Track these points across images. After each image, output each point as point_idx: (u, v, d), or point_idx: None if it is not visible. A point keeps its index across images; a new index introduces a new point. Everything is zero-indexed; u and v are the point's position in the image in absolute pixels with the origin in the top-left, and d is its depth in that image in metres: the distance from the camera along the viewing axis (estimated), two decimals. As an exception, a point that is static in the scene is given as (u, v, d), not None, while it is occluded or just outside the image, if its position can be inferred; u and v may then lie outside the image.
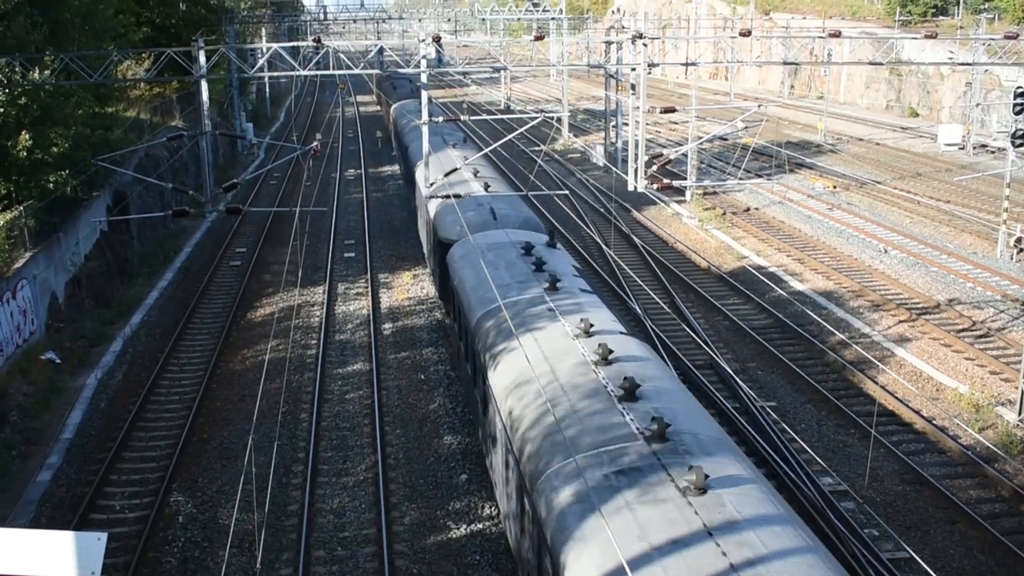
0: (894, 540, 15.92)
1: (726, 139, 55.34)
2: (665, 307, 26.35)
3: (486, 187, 27.75)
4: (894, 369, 23.55)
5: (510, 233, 21.94)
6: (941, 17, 74.73)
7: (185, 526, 17.16)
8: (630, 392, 12.26)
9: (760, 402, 21.21)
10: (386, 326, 27.44)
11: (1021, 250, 32.82)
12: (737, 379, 21.28)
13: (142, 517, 17.32)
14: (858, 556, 15.30)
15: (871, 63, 37.56)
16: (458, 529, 16.81)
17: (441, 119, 33.42)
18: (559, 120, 59.52)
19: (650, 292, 26.50)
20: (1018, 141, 31.86)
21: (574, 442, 11.57)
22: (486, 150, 34.57)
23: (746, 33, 33.86)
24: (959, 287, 29.86)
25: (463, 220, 22.89)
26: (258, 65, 32.20)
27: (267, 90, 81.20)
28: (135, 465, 19.50)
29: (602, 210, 40.66)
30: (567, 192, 40.81)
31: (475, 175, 29.32)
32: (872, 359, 22.84)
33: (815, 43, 51.10)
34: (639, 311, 25.36)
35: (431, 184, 29.00)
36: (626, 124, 47.44)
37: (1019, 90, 31.80)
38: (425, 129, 30.05)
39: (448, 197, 26.35)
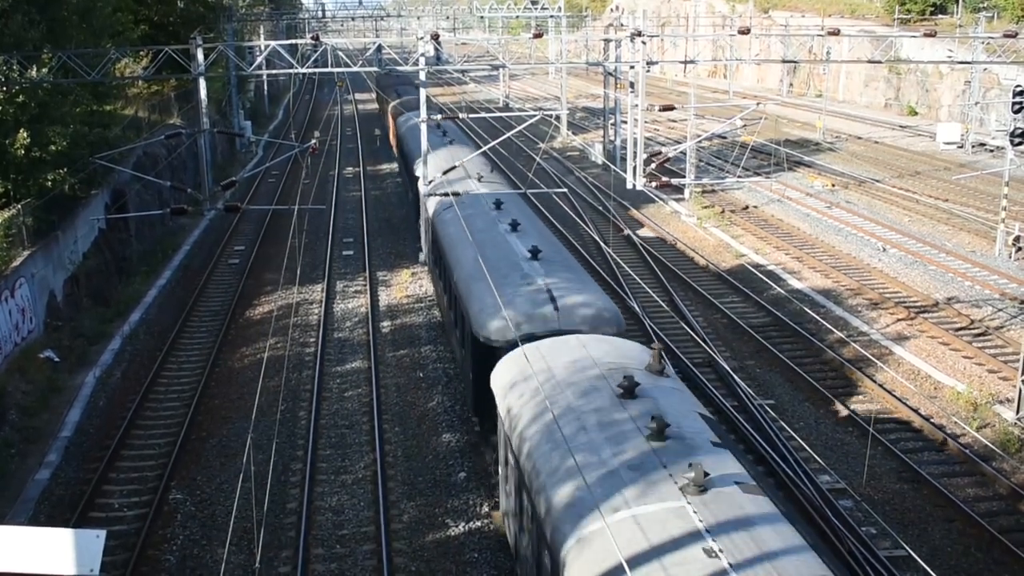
0: (892, 538, 15.95)
1: (725, 137, 55.32)
2: (664, 305, 26.36)
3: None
4: (893, 367, 23.57)
5: (587, 344, 14.62)
6: (940, 15, 74.71)
7: (184, 524, 17.17)
8: None
9: (758, 400, 21.23)
10: (384, 324, 27.44)
11: (1019, 248, 32.85)
12: (735, 377, 21.29)
13: (141, 515, 17.33)
14: (856, 554, 15.32)
15: (870, 61, 37.63)
16: (457, 527, 16.83)
17: (440, 117, 33.43)
18: (558, 118, 59.46)
19: (648, 290, 26.49)
20: (1017, 140, 31.87)
21: None
22: (485, 148, 34.55)
23: (745, 31, 33.84)
24: (957, 285, 29.88)
25: (509, 311, 16.59)
26: (256, 63, 32.16)
27: (265, 88, 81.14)
28: (134, 463, 19.50)
29: (601, 208, 40.66)
30: (565, 190, 40.80)
31: (475, 174, 29.30)
32: (871, 357, 22.86)
33: (814, 41, 51.14)
34: (638, 309, 25.36)
35: (430, 181, 29.00)
36: (625, 122, 47.43)
37: (1018, 88, 31.80)
38: (424, 127, 30.06)
39: (447, 195, 26.32)
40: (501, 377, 14.64)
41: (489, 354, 16.34)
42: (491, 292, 17.16)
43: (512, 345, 15.28)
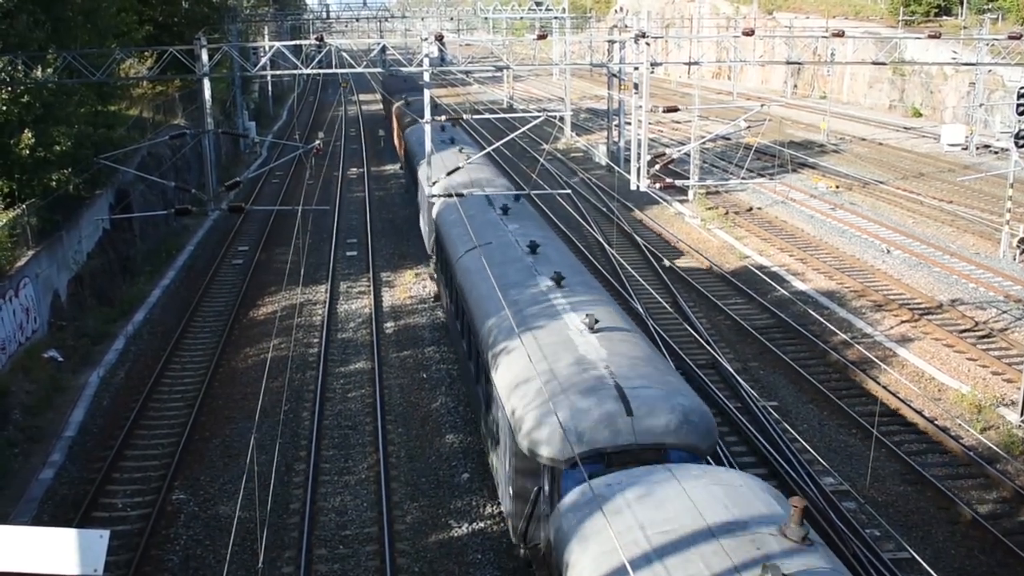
0: (895, 540, 15.93)
1: (729, 139, 55.29)
2: (667, 306, 26.34)
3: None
4: (896, 369, 23.54)
5: (685, 483, 10.40)
6: (944, 17, 74.63)
7: (187, 524, 17.18)
8: None
9: (762, 402, 21.20)
10: (388, 324, 27.45)
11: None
12: (739, 379, 21.27)
13: (144, 515, 17.35)
14: (860, 556, 15.30)
15: (874, 63, 37.55)
16: (460, 528, 16.82)
17: (443, 118, 33.44)
18: (562, 119, 59.51)
19: (652, 291, 26.48)
20: (1021, 141, 31.85)
21: None
22: (488, 149, 34.56)
23: (749, 32, 33.84)
24: (961, 287, 29.83)
25: (565, 414, 12.47)
26: (260, 64, 32.21)
27: (269, 88, 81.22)
28: (137, 463, 19.52)
29: (604, 209, 40.65)
30: (569, 191, 40.85)
31: (478, 175, 29.28)
32: (874, 359, 22.82)
33: (818, 43, 51.09)
34: (641, 310, 25.35)
35: (434, 183, 28.99)
36: (629, 123, 47.42)
37: (1022, 90, 31.76)
38: (428, 127, 30.06)
39: (450, 196, 26.29)
40: (564, 533, 10.38)
41: (538, 474, 12.70)
42: (538, 385, 13.20)
43: (571, 465, 11.96)
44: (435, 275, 28.14)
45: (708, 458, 13.00)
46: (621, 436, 12.28)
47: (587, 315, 15.08)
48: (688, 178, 42.49)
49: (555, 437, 12.32)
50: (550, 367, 13.71)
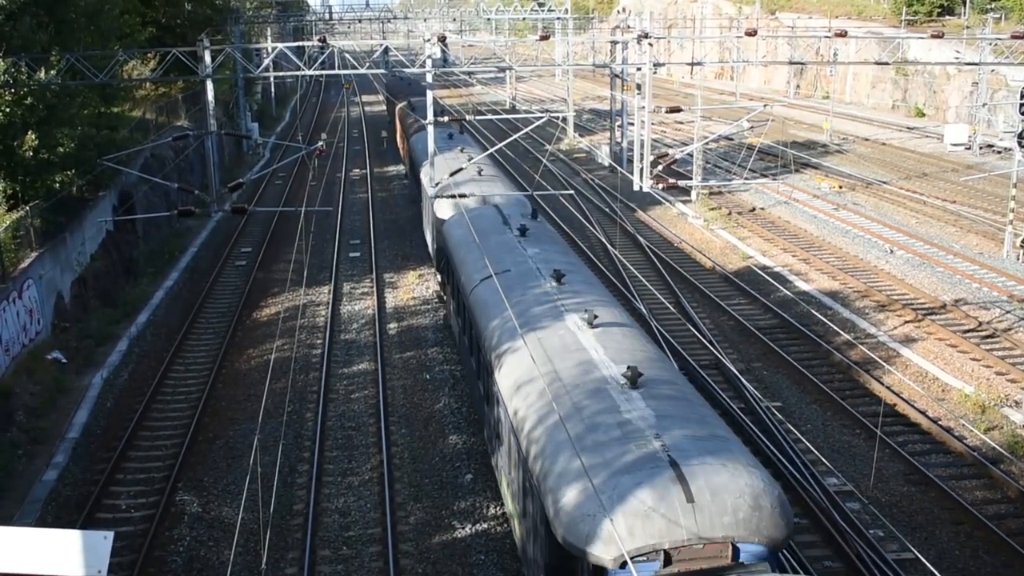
0: (899, 541, 15.90)
1: (732, 139, 55.25)
2: (670, 307, 26.33)
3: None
4: (900, 370, 23.50)
5: None
6: (947, 17, 74.55)
7: (191, 525, 17.18)
8: None
9: (765, 402, 21.19)
10: (391, 326, 27.46)
11: (1027, 250, 32.71)
12: (742, 379, 21.26)
13: (148, 516, 17.36)
14: (863, 557, 15.28)
15: (877, 63, 37.56)
16: (463, 529, 16.82)
17: (447, 119, 33.47)
18: (564, 120, 59.52)
19: (655, 292, 26.47)
20: (1024, 141, 31.78)
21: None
22: (491, 150, 34.58)
23: (752, 33, 33.85)
24: (965, 287, 29.79)
25: (609, 499, 10.49)
26: (263, 65, 32.27)
27: (272, 90, 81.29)
28: (141, 464, 19.54)
29: (607, 210, 40.63)
30: (572, 192, 40.88)
31: (481, 177, 29.28)
32: (878, 359, 22.78)
33: (821, 43, 51.08)
34: (644, 311, 25.35)
35: (436, 184, 29.01)
36: (631, 124, 47.41)
37: (1025, 90, 31.72)
38: (430, 128, 30.10)
39: (453, 196, 26.30)
40: None
41: (576, 571, 10.67)
42: (575, 459, 11.18)
43: (620, 564, 10.04)
44: (442, 293, 27.75)
45: (784, 551, 11.13)
46: (681, 529, 10.22)
47: (628, 367, 12.96)
48: (691, 178, 42.46)
49: (600, 528, 10.23)
50: (589, 436, 11.61)
